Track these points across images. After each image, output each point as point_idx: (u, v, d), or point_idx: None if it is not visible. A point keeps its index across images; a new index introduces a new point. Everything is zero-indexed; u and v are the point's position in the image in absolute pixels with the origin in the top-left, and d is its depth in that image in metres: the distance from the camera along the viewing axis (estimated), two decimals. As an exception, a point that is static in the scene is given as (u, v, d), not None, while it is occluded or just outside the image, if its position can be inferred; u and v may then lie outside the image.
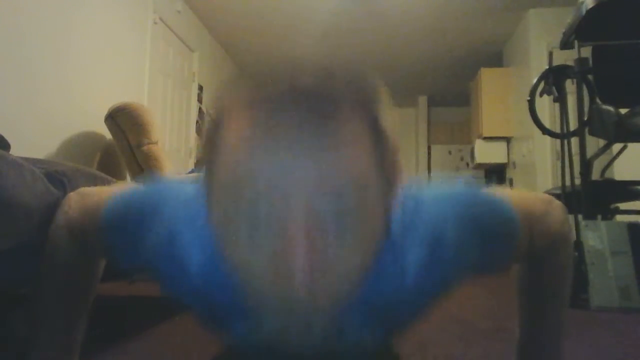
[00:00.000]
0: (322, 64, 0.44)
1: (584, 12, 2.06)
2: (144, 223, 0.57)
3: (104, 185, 1.01)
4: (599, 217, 2.14)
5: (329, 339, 0.50)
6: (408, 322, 0.62)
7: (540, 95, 2.43)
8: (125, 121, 2.56)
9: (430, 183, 0.61)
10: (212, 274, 0.53)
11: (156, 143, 2.64)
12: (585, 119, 2.20)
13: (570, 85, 2.33)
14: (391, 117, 0.46)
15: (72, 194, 0.71)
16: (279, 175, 0.39)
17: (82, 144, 2.64)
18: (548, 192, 2.59)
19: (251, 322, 0.54)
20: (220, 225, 0.43)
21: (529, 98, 2.48)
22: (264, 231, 0.40)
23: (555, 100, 2.36)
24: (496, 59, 4.97)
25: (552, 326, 0.71)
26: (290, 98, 0.40)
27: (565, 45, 2.26)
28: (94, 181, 0.88)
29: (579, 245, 1.98)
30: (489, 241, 0.57)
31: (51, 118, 2.39)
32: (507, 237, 0.59)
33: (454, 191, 0.58)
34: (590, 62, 2.22)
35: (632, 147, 2.25)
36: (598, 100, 2.19)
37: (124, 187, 0.65)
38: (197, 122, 4.40)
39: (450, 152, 6.78)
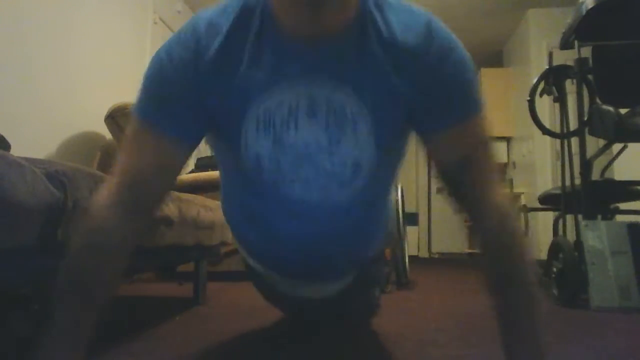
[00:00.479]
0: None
1: (584, 12, 2.06)
2: (188, 46, 0.69)
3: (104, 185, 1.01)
4: (599, 217, 2.14)
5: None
6: (392, 131, 0.74)
7: (540, 95, 2.43)
8: (125, 121, 2.56)
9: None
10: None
11: (156, 143, 2.63)
12: (585, 119, 2.20)
13: (570, 85, 2.33)
14: None
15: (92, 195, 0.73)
16: None
17: (82, 144, 2.64)
18: (548, 192, 2.60)
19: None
20: None
21: (529, 98, 2.48)
22: None
23: (555, 100, 2.36)
24: (496, 59, 4.97)
25: (528, 321, 0.68)
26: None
27: (565, 45, 2.26)
28: (94, 181, 0.88)
29: (579, 245, 1.98)
30: (454, 69, 0.70)
31: (51, 118, 2.38)
32: (468, 78, 0.72)
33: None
34: (590, 62, 2.22)
35: (632, 147, 2.25)
36: (598, 100, 2.19)
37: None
38: (197, 122, 4.39)
39: (450, 152, 6.77)
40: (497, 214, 0.69)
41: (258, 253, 0.97)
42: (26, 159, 0.77)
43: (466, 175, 0.71)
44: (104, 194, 0.69)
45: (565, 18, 2.30)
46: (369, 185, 0.76)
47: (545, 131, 2.56)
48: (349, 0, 0.68)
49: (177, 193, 1.47)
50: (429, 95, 0.70)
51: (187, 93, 0.70)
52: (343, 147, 0.72)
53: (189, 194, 1.59)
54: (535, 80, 2.44)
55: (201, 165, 2.90)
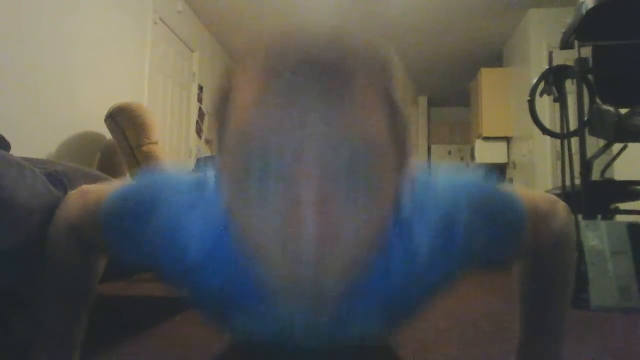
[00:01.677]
0: (336, 31, 0.43)
1: (584, 12, 2.06)
2: (143, 217, 0.56)
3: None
4: (599, 217, 2.14)
5: (334, 329, 0.50)
6: (412, 312, 0.62)
7: (540, 95, 2.43)
8: (125, 121, 2.56)
9: (440, 168, 0.61)
10: (217, 255, 0.53)
11: (156, 143, 2.64)
12: (585, 119, 2.20)
13: (570, 85, 2.33)
14: (404, 88, 0.45)
15: (72, 192, 0.71)
16: (290, 132, 0.38)
17: (82, 144, 2.64)
18: (548, 192, 2.60)
19: (255, 309, 0.54)
20: (230, 185, 0.42)
21: (529, 98, 2.48)
22: (273, 190, 0.39)
23: (555, 100, 2.36)
24: (496, 59, 4.97)
25: (553, 326, 0.71)
26: (304, 62, 0.39)
27: (565, 45, 2.26)
28: (94, 181, 0.88)
29: (579, 245, 1.98)
30: (497, 231, 0.57)
31: (51, 118, 2.39)
32: (514, 230, 0.59)
33: (466, 179, 0.58)
34: (590, 62, 2.21)
35: (632, 147, 2.24)
36: (598, 100, 2.19)
37: (122, 183, 0.65)
38: (197, 122, 4.40)
39: (450, 152, 6.78)
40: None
41: None
42: (26, 159, 0.77)
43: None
44: (63, 219, 0.69)
45: (565, 18, 2.30)
46: None
47: (545, 131, 2.56)
48: None
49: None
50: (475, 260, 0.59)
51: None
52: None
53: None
54: (535, 80, 2.44)
55: (201, 165, 2.90)
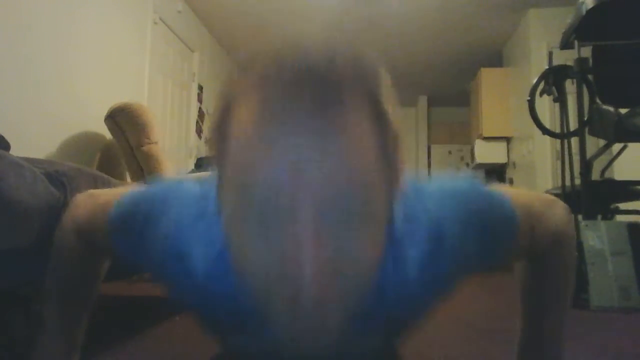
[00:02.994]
0: (326, 48, 0.43)
1: (584, 12, 2.06)
2: (150, 225, 0.57)
3: (104, 185, 1.01)
4: (599, 217, 2.14)
5: (334, 347, 0.50)
6: (410, 324, 0.62)
7: (540, 95, 2.43)
8: (125, 121, 2.56)
9: (430, 178, 0.61)
10: (218, 275, 0.53)
11: (156, 143, 2.64)
12: (585, 119, 2.20)
13: (570, 85, 2.33)
14: (393, 102, 0.45)
15: (80, 195, 0.71)
16: (286, 167, 0.38)
17: (82, 144, 2.64)
18: (548, 192, 2.60)
19: (255, 330, 0.54)
20: (229, 221, 0.43)
21: (529, 98, 2.48)
22: (271, 223, 0.39)
23: (555, 100, 2.36)
24: (496, 59, 4.97)
25: (553, 326, 0.71)
26: (296, 88, 0.39)
27: (565, 45, 2.26)
28: (94, 181, 0.88)
29: (579, 245, 1.98)
30: (489, 238, 0.57)
31: (51, 118, 2.38)
32: (506, 234, 0.59)
33: (455, 187, 0.58)
34: (590, 62, 2.22)
35: (632, 147, 2.24)
36: (598, 100, 2.19)
37: (131, 189, 0.65)
38: (197, 122, 4.40)
39: (450, 152, 6.78)
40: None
41: None
42: (26, 159, 0.77)
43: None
44: (70, 220, 0.69)
45: (565, 18, 2.30)
46: None
47: (545, 131, 2.56)
48: None
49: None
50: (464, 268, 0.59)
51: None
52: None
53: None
54: (535, 80, 2.44)
55: (201, 165, 2.90)
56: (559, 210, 0.66)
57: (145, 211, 0.58)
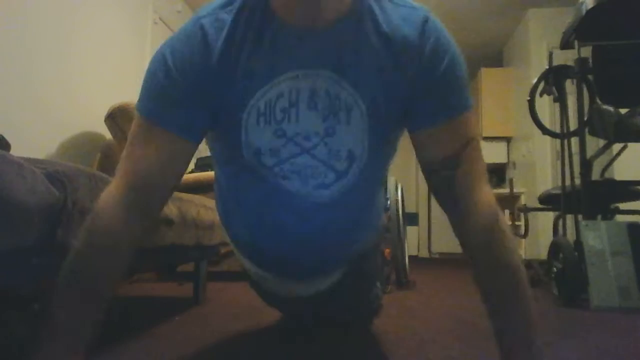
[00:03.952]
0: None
1: (584, 12, 2.06)
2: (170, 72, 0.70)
3: (104, 185, 1.01)
4: (599, 217, 2.14)
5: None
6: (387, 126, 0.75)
7: (540, 95, 2.43)
8: (125, 121, 2.56)
9: None
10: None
11: (156, 143, 2.63)
12: (585, 119, 2.21)
13: (570, 85, 2.34)
14: None
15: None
16: None
17: (82, 144, 2.64)
18: (548, 192, 2.60)
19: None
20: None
21: (529, 98, 2.48)
22: None
23: (555, 100, 2.36)
24: (496, 59, 4.97)
25: (522, 322, 0.68)
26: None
27: (565, 45, 2.27)
28: (94, 181, 0.88)
29: (579, 245, 1.98)
30: (454, 60, 0.74)
31: (51, 118, 2.38)
32: (463, 71, 0.75)
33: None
34: (590, 62, 2.22)
35: (632, 147, 2.25)
36: (598, 100, 2.19)
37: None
38: (197, 122, 4.39)
39: (450, 152, 6.77)
40: (486, 211, 0.70)
41: (250, 252, 0.97)
42: (26, 159, 0.77)
43: (454, 173, 0.71)
44: (109, 194, 0.69)
45: (565, 18, 2.30)
46: (363, 174, 0.77)
47: (545, 131, 2.56)
48: None
49: (177, 193, 1.47)
50: (421, 90, 0.72)
51: (192, 91, 0.71)
52: (338, 137, 0.73)
53: (189, 194, 1.59)
54: (535, 80, 2.44)
55: (201, 165, 2.90)
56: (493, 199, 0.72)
57: (160, 70, 0.72)
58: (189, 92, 0.70)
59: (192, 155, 0.76)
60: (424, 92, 0.72)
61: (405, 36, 0.71)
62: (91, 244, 0.66)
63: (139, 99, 0.73)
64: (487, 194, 0.72)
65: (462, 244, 0.74)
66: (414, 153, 0.75)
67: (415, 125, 0.74)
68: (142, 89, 0.74)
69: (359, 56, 0.71)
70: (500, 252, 0.69)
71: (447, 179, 0.72)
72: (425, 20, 0.72)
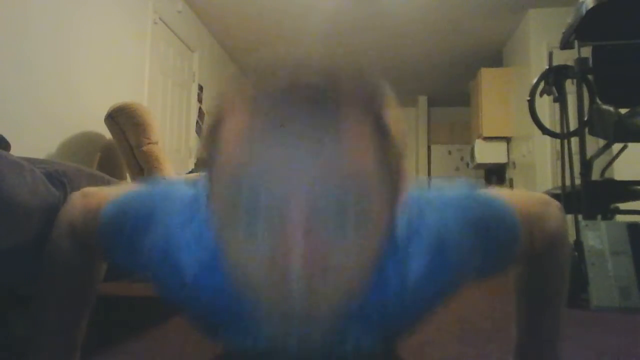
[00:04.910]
0: (325, 61, 0.43)
1: (584, 12, 2.06)
2: (140, 226, 0.57)
3: (104, 185, 1.01)
4: (599, 217, 2.14)
5: (328, 347, 0.50)
6: (408, 328, 0.62)
7: (540, 95, 2.43)
8: (125, 121, 2.56)
9: (429, 185, 0.61)
10: (209, 276, 0.53)
11: (156, 143, 2.64)
12: (585, 119, 2.20)
13: (570, 85, 2.33)
14: (397, 117, 0.44)
15: (75, 193, 0.71)
16: (278, 167, 0.38)
17: (82, 144, 2.64)
18: (548, 192, 2.60)
19: (247, 329, 0.54)
20: (220, 219, 0.43)
21: (529, 98, 2.48)
22: (262, 225, 0.39)
23: (555, 100, 2.36)
24: (496, 59, 4.97)
25: (550, 328, 0.71)
26: (292, 94, 0.39)
27: (565, 45, 2.26)
28: (94, 181, 0.88)
29: (579, 245, 1.98)
30: (491, 246, 0.57)
31: (51, 118, 2.39)
32: (508, 241, 0.59)
33: (455, 195, 0.58)
34: (590, 62, 2.22)
35: (632, 147, 2.24)
36: (598, 100, 2.19)
37: (124, 188, 0.65)
38: (197, 122, 4.40)
39: (450, 152, 6.77)
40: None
41: None
42: (26, 159, 0.77)
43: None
44: (67, 221, 0.69)
45: (565, 18, 2.30)
46: None
47: (545, 131, 2.56)
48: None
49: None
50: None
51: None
52: None
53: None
54: (535, 80, 2.44)
55: (201, 165, 2.90)
56: (555, 211, 0.66)
57: (135, 214, 0.58)
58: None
59: None
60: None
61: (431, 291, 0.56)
62: (59, 255, 0.68)
63: (107, 214, 0.62)
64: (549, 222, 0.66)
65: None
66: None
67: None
68: (117, 216, 0.61)
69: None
70: (554, 253, 0.69)
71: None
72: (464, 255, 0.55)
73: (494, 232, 0.57)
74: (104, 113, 2.59)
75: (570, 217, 2.34)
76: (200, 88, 4.42)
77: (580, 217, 2.06)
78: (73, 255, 0.68)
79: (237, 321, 0.54)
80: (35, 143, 2.23)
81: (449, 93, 6.40)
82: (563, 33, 2.27)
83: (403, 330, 0.62)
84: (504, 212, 0.58)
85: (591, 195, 2.05)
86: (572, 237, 2.18)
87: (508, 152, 4.93)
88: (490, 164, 5.07)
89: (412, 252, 0.52)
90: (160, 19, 3.60)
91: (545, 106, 3.43)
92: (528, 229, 0.60)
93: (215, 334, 0.60)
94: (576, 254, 1.96)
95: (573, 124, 2.26)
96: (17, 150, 1.33)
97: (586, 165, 2.07)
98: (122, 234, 0.59)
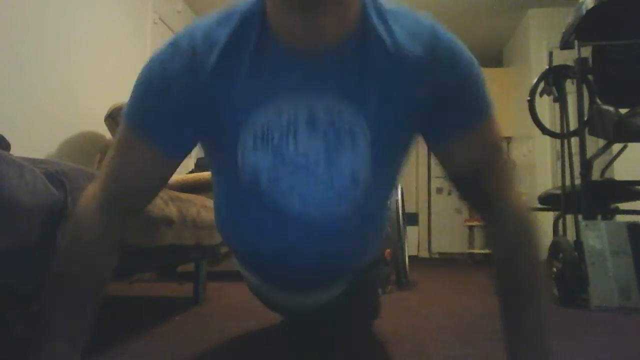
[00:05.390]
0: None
1: (584, 12, 2.06)
2: (175, 65, 0.67)
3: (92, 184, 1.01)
4: (599, 217, 2.14)
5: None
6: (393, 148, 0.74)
7: (540, 95, 2.43)
8: (125, 121, 2.56)
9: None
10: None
11: (156, 143, 2.63)
12: (585, 119, 2.20)
13: (570, 85, 2.33)
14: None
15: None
16: None
17: (82, 144, 2.64)
18: (548, 192, 2.60)
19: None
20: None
21: (529, 98, 2.48)
22: None
23: (555, 100, 2.36)
24: (496, 59, 4.98)
25: (536, 319, 0.68)
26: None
27: (565, 45, 2.26)
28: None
29: (579, 245, 1.98)
30: (470, 81, 0.71)
31: (51, 118, 2.39)
32: (478, 79, 0.72)
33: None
34: (590, 62, 2.22)
35: (632, 147, 2.25)
36: (598, 100, 2.19)
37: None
38: (197, 122, 4.40)
39: (450, 152, 6.77)
40: (514, 215, 0.70)
41: (252, 266, 0.95)
42: (26, 159, 0.77)
43: (481, 179, 0.71)
44: (90, 195, 0.70)
45: (565, 18, 2.30)
46: (367, 197, 0.74)
47: (545, 131, 2.56)
48: (347, 9, 0.65)
49: (177, 193, 1.47)
50: (438, 106, 0.69)
51: (180, 107, 0.68)
52: (341, 159, 0.70)
53: (189, 194, 1.59)
54: (535, 80, 2.44)
55: (201, 165, 2.90)
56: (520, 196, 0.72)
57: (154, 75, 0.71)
58: (177, 109, 0.68)
59: (177, 166, 0.75)
60: (442, 108, 0.69)
61: (413, 55, 0.66)
62: (74, 244, 0.68)
63: (127, 106, 0.72)
64: (514, 197, 0.71)
65: (492, 244, 0.74)
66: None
67: (437, 141, 0.72)
68: (131, 96, 0.72)
69: (363, 81, 0.67)
70: (524, 253, 0.69)
71: (476, 186, 0.72)
72: (433, 34, 0.69)
73: (452, 58, 0.70)
74: (104, 113, 2.59)
75: (570, 217, 2.34)
76: (200, 88, 4.42)
77: (580, 217, 2.06)
78: (95, 237, 0.67)
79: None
80: (35, 143, 2.23)
81: (449, 93, 6.40)
82: (563, 33, 2.27)
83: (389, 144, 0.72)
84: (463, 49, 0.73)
85: (591, 195, 2.06)
86: (572, 237, 2.18)
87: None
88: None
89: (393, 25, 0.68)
90: (160, 19, 3.60)
91: (545, 106, 3.43)
92: (498, 134, 0.79)
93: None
94: (576, 254, 1.96)
95: (573, 124, 2.26)
96: (17, 150, 1.33)
97: (586, 165, 2.07)
98: (154, 90, 0.69)
